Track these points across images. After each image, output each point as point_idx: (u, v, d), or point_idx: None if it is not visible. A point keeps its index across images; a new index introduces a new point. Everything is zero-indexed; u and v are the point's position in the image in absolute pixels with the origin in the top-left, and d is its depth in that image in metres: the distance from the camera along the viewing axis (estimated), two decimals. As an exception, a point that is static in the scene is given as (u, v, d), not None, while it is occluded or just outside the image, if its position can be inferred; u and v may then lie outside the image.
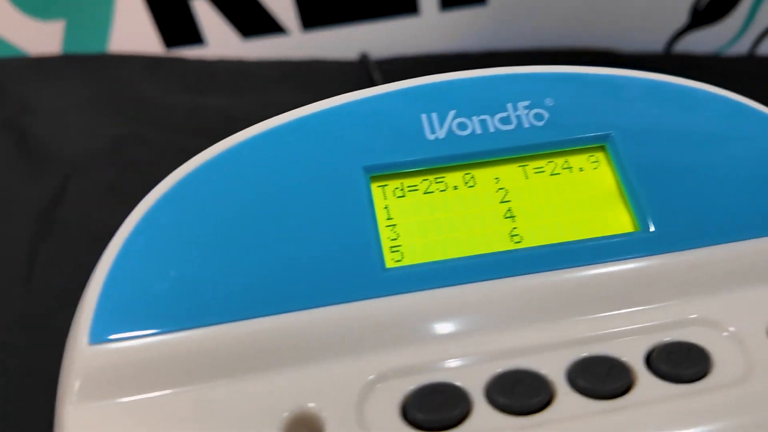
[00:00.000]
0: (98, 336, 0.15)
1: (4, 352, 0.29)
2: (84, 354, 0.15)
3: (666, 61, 0.51)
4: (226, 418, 0.14)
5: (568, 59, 0.48)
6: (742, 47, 0.53)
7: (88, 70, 0.48)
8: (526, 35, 0.51)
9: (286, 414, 0.14)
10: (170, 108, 0.44)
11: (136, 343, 0.15)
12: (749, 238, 0.17)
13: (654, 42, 0.52)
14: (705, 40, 0.52)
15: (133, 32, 0.50)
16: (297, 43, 0.50)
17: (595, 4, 0.50)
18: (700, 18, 0.51)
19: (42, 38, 0.49)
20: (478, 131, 0.18)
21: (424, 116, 0.18)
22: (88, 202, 0.36)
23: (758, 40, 0.53)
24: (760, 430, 0.14)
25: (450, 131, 0.17)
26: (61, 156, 0.40)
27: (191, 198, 0.17)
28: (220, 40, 0.50)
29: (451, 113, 0.18)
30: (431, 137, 0.17)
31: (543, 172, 0.18)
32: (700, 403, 0.14)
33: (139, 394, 0.15)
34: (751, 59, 0.52)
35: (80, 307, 0.15)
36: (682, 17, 0.51)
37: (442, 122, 0.18)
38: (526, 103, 0.18)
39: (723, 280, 0.16)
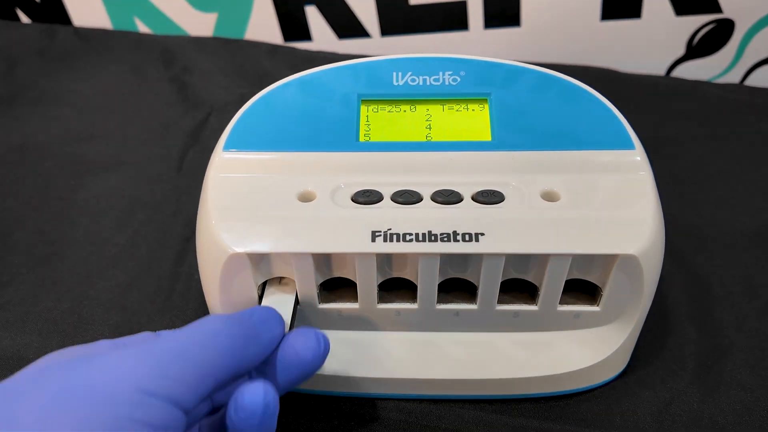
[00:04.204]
0: (227, 148, 0.32)
1: (171, 194, 0.48)
2: (221, 154, 0.32)
3: (659, 82, 0.62)
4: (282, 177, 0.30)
5: (578, 73, 0.61)
6: (734, 77, 0.64)
7: (229, 49, 0.66)
8: (550, 52, 0.65)
9: (300, 190, 0.31)
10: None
11: (243, 153, 0.32)
12: (547, 150, 0.32)
13: (656, 68, 0.65)
14: (701, 70, 0.64)
15: (263, 26, 0.67)
16: (376, 44, 0.67)
17: (610, 36, 0.63)
18: (693, 51, 0.63)
19: (200, 24, 0.68)
20: (420, 83, 0.34)
21: (393, 72, 0.34)
22: (220, 129, 0.54)
23: (747, 73, 0.64)
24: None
25: (406, 82, 0.34)
26: (206, 101, 0.58)
27: (274, 98, 0.34)
28: (322, 38, 0.67)
29: (408, 73, 0.34)
30: (396, 83, 0.34)
31: (452, 108, 0.34)
32: (485, 209, 0.29)
33: (243, 173, 0.31)
34: (739, 87, 0.63)
35: (219, 140, 0.33)
36: (680, 50, 0.63)
37: (403, 77, 0.34)
38: (450, 72, 0.34)
39: (522, 167, 0.31)
